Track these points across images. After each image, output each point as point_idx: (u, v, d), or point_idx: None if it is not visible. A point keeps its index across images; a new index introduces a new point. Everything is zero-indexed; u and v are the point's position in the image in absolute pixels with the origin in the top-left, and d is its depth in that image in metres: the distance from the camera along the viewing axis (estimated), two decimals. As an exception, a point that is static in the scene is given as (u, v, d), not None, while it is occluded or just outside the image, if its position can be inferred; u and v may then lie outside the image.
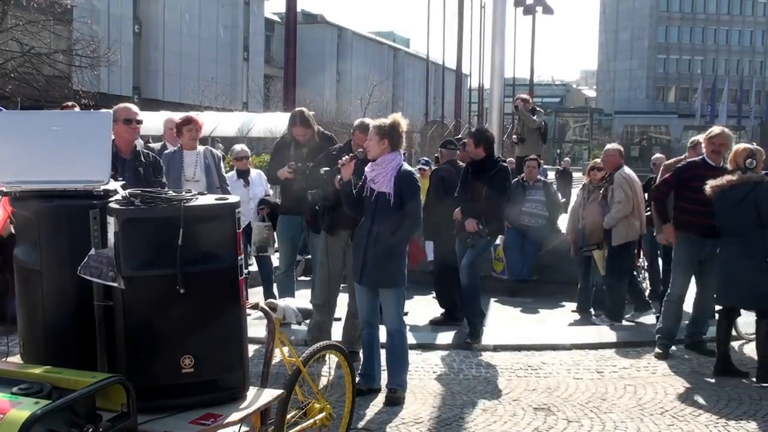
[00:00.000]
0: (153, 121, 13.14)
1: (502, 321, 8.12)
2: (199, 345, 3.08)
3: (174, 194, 3.17)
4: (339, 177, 5.32)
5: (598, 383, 5.73)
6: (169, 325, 3.06)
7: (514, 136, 12.28)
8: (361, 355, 5.49)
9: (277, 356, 3.85)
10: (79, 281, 3.05)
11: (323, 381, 4.53)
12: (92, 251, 3.03)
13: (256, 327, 4.38)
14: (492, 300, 8.98)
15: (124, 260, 2.98)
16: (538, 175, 10.12)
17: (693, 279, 6.67)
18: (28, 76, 21.67)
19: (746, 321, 6.64)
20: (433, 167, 10.07)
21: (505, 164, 7.21)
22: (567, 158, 24.86)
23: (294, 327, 6.25)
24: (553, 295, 9.07)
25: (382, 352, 5.35)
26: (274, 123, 22.17)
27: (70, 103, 7.89)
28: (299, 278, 8.71)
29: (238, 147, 9.13)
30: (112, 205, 3.06)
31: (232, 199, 3.27)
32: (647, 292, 9.29)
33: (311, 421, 3.83)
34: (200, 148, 6.84)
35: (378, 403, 5.15)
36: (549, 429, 4.82)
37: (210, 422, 2.98)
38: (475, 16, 61.66)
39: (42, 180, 3.18)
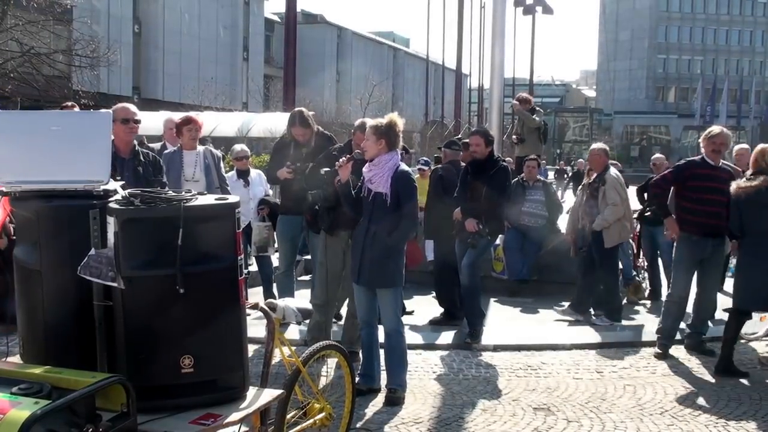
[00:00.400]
0: (153, 121, 13.11)
1: (501, 321, 8.11)
2: (199, 345, 3.08)
3: (174, 194, 3.17)
4: (338, 178, 5.33)
5: (597, 383, 5.73)
6: (169, 325, 3.06)
7: (514, 136, 12.28)
8: (360, 355, 5.50)
9: (277, 356, 3.85)
10: (79, 281, 3.05)
11: (323, 381, 4.52)
12: (92, 251, 3.03)
13: (255, 327, 4.38)
14: (492, 300, 8.97)
15: (123, 260, 2.97)
16: (538, 175, 10.14)
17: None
18: (28, 76, 21.67)
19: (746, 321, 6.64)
20: (432, 167, 10.08)
21: (504, 164, 7.22)
22: (581, 160, 24.96)
23: (294, 327, 6.26)
24: (553, 295, 9.06)
25: (382, 352, 5.35)
26: (273, 123, 22.13)
27: (69, 103, 7.90)
28: (299, 278, 8.72)
29: (238, 147, 9.13)
30: (112, 205, 3.05)
31: (232, 199, 3.27)
32: (647, 292, 9.32)
33: (311, 421, 3.83)
34: (200, 148, 6.85)
35: (378, 403, 5.15)
36: (549, 429, 4.82)
37: (210, 422, 2.98)
38: (475, 16, 61.90)
39: (42, 180, 3.18)
